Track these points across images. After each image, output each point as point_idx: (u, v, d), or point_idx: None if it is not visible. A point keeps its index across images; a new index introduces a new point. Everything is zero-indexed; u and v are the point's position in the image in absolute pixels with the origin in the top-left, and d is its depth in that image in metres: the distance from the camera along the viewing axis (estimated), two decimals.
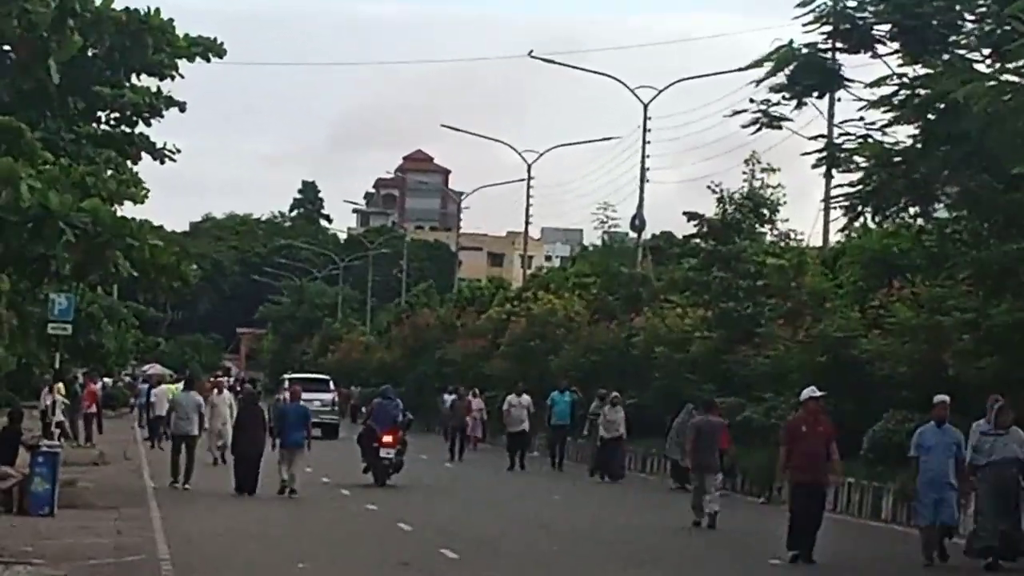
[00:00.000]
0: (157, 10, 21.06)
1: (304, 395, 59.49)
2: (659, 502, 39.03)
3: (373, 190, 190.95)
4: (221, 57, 25.48)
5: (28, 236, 22.50)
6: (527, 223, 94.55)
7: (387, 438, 42.41)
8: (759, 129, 33.03)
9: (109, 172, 29.79)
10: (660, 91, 68.76)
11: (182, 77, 25.65)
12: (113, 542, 25.85)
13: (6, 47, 19.93)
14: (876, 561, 27.84)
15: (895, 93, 30.25)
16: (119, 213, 25.15)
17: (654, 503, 38.85)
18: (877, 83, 30.71)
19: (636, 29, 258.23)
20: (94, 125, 33.04)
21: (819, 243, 49.58)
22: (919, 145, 29.81)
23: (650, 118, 68.25)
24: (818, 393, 26.81)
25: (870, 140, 31.09)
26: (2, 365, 69.00)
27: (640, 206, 67.39)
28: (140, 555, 24.26)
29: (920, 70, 29.98)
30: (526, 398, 52.12)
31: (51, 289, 47.80)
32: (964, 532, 26.56)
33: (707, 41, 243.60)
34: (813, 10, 31.53)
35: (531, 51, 73.58)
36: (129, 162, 33.90)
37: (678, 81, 70.77)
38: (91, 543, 25.34)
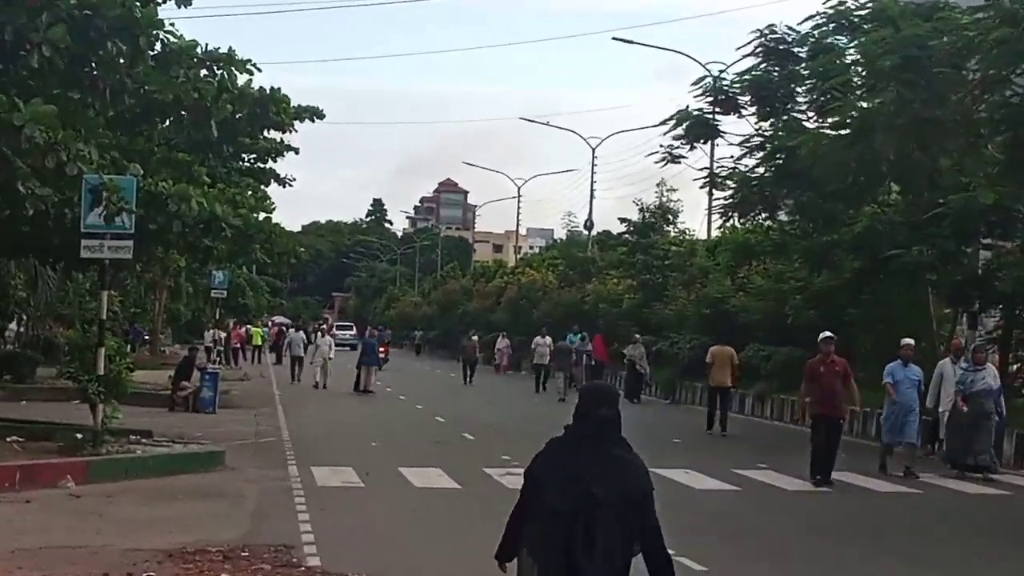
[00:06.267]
0: (278, 88, 21.11)
1: (339, 332, 61.12)
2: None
3: (419, 204, 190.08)
4: (321, 118, 25.33)
5: (200, 233, 22.49)
6: (518, 224, 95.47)
7: (382, 349, 49.55)
8: (666, 163, 33.06)
9: (250, 193, 29.70)
10: (603, 140, 69.60)
11: (296, 132, 25.51)
12: (253, 429, 25.96)
13: (183, 113, 19.78)
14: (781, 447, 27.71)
15: (755, 142, 30.31)
16: (258, 219, 25.09)
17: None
18: (746, 140, 30.75)
19: (591, 98, 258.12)
20: (239, 163, 32.94)
21: (705, 236, 49.61)
22: (767, 174, 29.84)
23: (596, 157, 68.39)
24: (828, 333, 20.63)
25: (736, 170, 31.14)
26: (182, 316, 69.14)
27: (590, 214, 67.62)
28: (271, 438, 24.41)
29: (768, 126, 30.01)
30: (548, 339, 47.80)
31: (213, 268, 47.84)
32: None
33: (634, 107, 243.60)
34: (701, 87, 31.63)
35: (520, 116, 73.69)
36: (262, 186, 33.80)
37: (614, 133, 71.32)
38: (239, 430, 25.40)
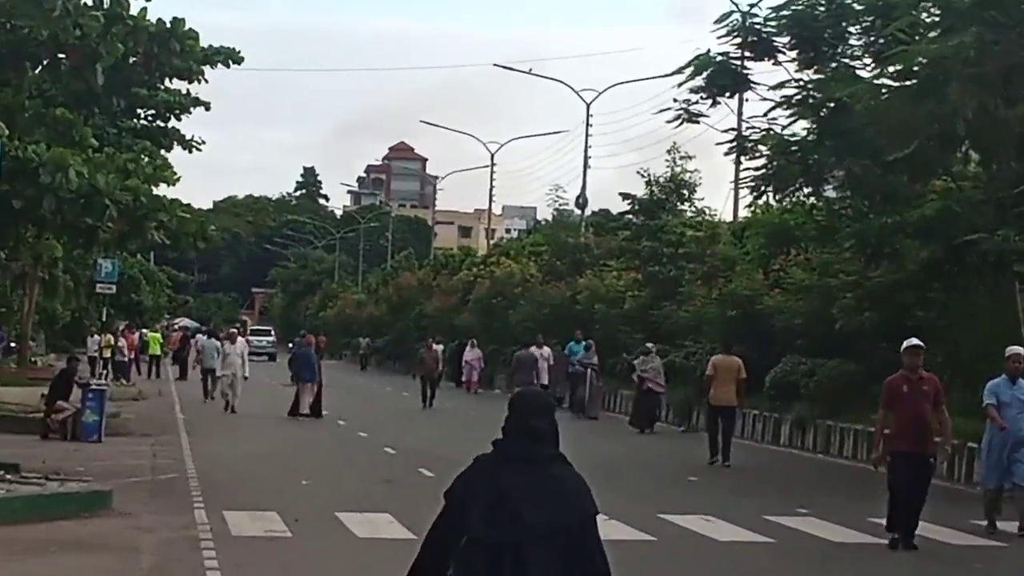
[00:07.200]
0: (182, 20, 21.05)
1: (253, 337, 60.90)
2: (626, 433, 38.46)
3: (364, 174, 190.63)
4: (239, 63, 25.28)
5: (80, 210, 22.40)
6: (491, 201, 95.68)
7: None
8: (681, 123, 32.99)
9: (146, 159, 29.65)
10: (600, 93, 68.93)
11: (206, 82, 25.45)
12: (150, 463, 25.85)
13: (61, 55, 19.65)
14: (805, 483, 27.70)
15: (795, 95, 30.26)
16: (155, 193, 24.99)
17: (622, 434, 37.91)
18: (779, 86, 30.74)
19: (585, 41, 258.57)
20: (133, 121, 32.89)
21: (730, 217, 49.61)
22: (811, 137, 29.82)
23: (592, 115, 68.40)
24: (915, 341, 18.49)
25: (771, 132, 31.10)
26: (59, 318, 69.01)
27: (583, 188, 67.86)
28: (173, 474, 24.26)
29: (812, 75, 29.99)
30: (546, 350, 47.68)
31: (99, 255, 47.74)
32: None
33: (641, 52, 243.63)
34: (726, 25, 31.58)
35: (495, 63, 73.76)
36: (163, 151, 33.76)
37: (615, 85, 71.17)
38: (132, 464, 25.31)
